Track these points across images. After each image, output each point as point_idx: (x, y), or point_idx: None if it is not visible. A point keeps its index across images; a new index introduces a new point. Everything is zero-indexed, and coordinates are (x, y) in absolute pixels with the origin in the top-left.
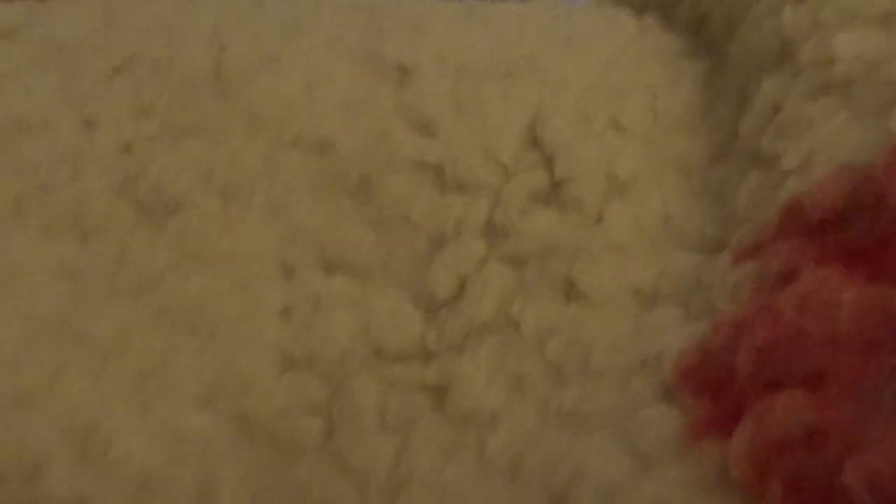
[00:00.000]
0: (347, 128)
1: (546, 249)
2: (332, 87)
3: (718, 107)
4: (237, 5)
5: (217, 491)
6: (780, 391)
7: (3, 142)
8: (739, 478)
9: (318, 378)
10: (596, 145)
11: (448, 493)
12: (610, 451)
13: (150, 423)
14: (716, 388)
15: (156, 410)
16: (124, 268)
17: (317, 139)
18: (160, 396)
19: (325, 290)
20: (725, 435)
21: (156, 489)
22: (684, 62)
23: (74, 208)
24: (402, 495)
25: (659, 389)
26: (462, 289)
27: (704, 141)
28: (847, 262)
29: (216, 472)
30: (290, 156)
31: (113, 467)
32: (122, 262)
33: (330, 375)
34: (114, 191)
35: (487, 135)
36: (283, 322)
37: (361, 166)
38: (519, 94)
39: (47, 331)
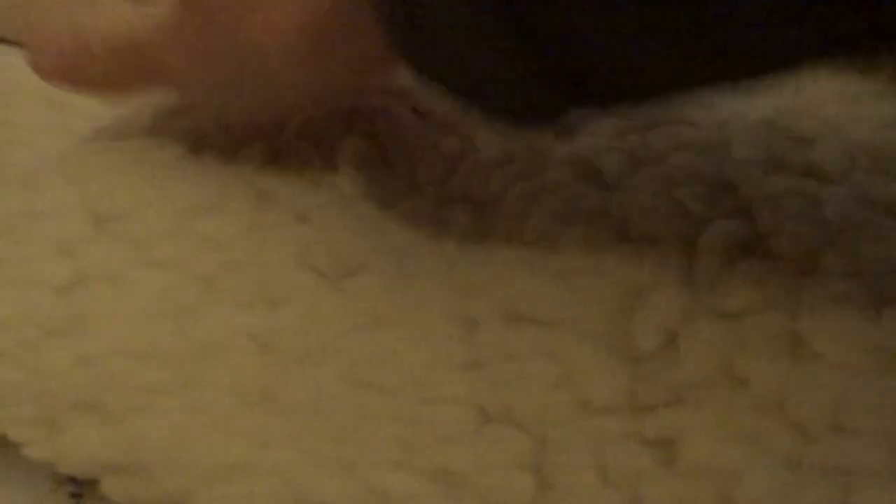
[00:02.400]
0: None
1: (760, 302)
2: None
3: None
4: None
5: None
6: None
7: (189, 221)
8: None
9: (520, 431)
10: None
11: None
12: None
13: (354, 486)
14: None
15: (357, 472)
16: (312, 333)
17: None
18: (360, 458)
19: (513, 342)
20: None
21: None
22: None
23: (261, 280)
24: None
25: None
26: (670, 341)
27: None
28: None
29: None
30: (456, 211)
31: None
32: (310, 327)
33: (530, 428)
34: (296, 260)
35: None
36: (471, 374)
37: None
38: None
39: (252, 402)
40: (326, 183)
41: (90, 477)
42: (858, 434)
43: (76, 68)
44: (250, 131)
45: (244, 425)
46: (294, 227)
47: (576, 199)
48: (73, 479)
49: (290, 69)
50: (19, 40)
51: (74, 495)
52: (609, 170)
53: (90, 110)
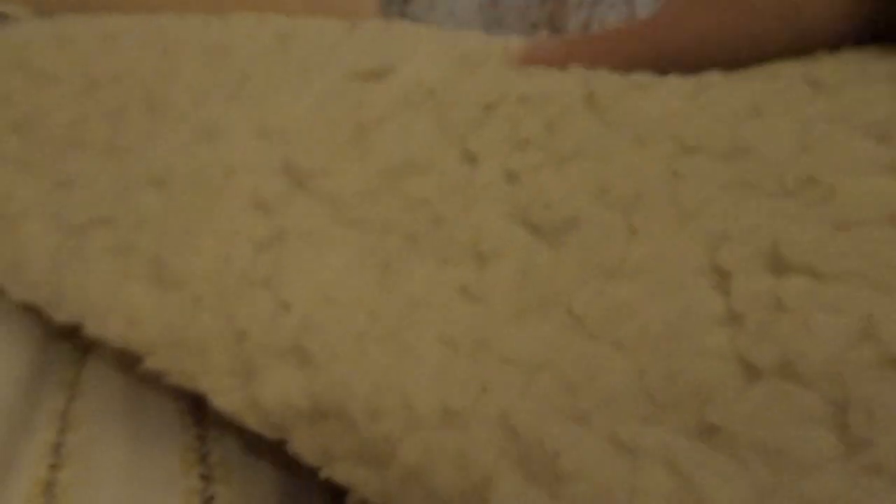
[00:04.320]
0: (762, 133)
1: None
2: (714, 92)
3: None
4: None
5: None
6: None
7: (392, 181)
8: None
9: (806, 387)
10: None
11: None
12: None
13: (593, 436)
14: None
15: (598, 422)
16: (528, 288)
17: (726, 145)
18: (598, 410)
19: (786, 293)
20: None
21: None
22: None
23: (470, 237)
24: None
25: None
26: None
27: None
28: None
29: (698, 483)
30: (693, 163)
31: (563, 483)
32: (525, 282)
33: (820, 386)
34: (506, 217)
35: None
36: (731, 329)
37: (797, 168)
38: None
39: (465, 352)
40: (538, 143)
41: (279, 430)
42: None
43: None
44: (457, 93)
45: (459, 373)
46: (504, 187)
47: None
48: (203, 460)
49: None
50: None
51: (204, 477)
52: None
53: (251, 56)
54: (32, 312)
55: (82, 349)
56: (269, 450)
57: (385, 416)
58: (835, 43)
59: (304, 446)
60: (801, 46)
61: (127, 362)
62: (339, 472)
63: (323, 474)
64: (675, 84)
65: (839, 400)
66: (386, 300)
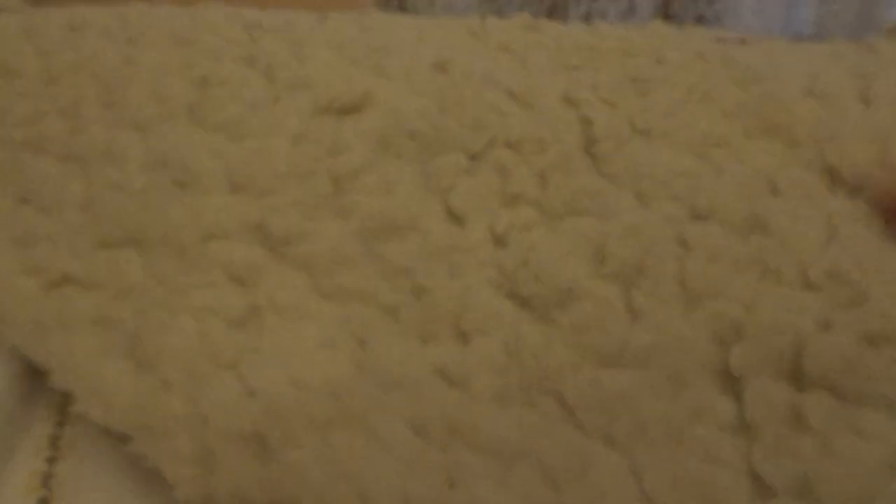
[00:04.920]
0: (782, 210)
1: None
2: (725, 154)
3: None
4: None
5: None
6: None
7: (371, 245)
8: None
9: None
10: None
11: None
12: None
13: None
14: None
15: None
16: (513, 370)
17: (743, 217)
18: None
19: (807, 409)
20: None
21: None
22: None
23: (453, 311)
24: None
25: None
26: None
27: None
28: None
29: None
30: (704, 232)
31: None
32: (511, 363)
33: None
34: (493, 288)
35: None
36: (745, 439)
37: (824, 260)
38: None
39: (436, 439)
40: (529, 198)
41: None
42: None
43: None
44: (440, 136)
45: (426, 463)
46: (491, 250)
47: None
48: None
49: None
50: None
51: None
52: None
53: (215, 49)
54: None
55: None
56: None
57: None
58: None
59: None
60: None
61: None
62: None
63: None
64: (684, 136)
65: None
66: (358, 381)
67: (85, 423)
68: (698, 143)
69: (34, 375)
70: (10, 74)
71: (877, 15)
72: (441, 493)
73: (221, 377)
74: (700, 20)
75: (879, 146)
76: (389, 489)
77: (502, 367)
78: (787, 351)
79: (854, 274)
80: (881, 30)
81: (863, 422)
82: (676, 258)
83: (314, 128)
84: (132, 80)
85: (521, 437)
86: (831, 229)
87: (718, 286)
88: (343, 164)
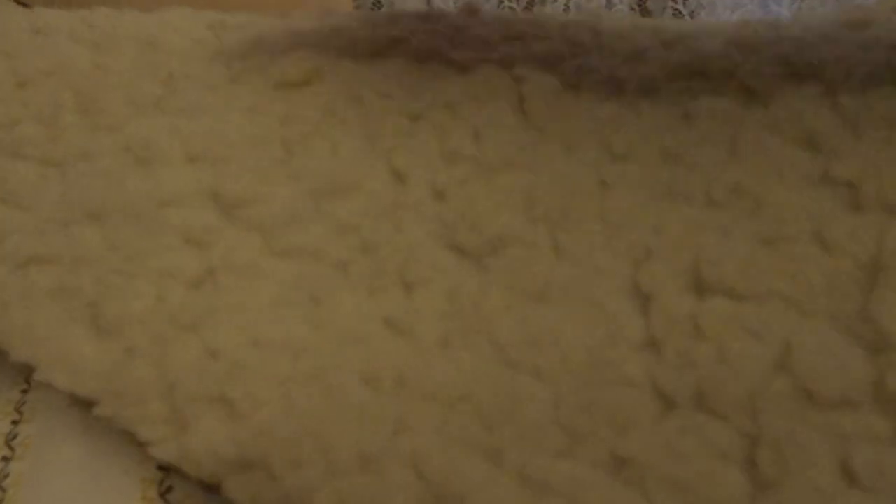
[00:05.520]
0: (693, 140)
1: None
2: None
3: None
4: None
5: None
6: None
7: (320, 205)
8: None
9: (719, 420)
10: None
11: None
12: None
13: (504, 473)
14: None
15: (509, 459)
16: (454, 316)
17: (656, 152)
18: (513, 444)
19: (705, 317)
20: None
21: None
22: None
23: (398, 264)
24: None
25: None
26: None
27: None
28: None
29: None
30: (622, 171)
31: None
32: (452, 309)
33: (735, 419)
34: (435, 239)
35: None
36: (650, 355)
37: (725, 177)
38: None
39: (386, 390)
40: (466, 154)
41: (215, 478)
42: None
43: None
44: (383, 102)
45: (377, 414)
46: (432, 205)
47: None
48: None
49: None
50: None
51: (161, 468)
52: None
53: (181, 49)
54: None
55: None
56: None
57: (305, 464)
58: None
59: (235, 494)
60: None
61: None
62: None
63: None
64: (612, 84)
65: (752, 434)
66: (313, 338)
67: (48, 388)
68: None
69: None
70: None
71: None
72: (390, 442)
73: (184, 340)
74: (676, 15)
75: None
76: (347, 442)
77: (444, 313)
78: (688, 262)
79: (753, 186)
80: None
81: (757, 322)
82: (597, 197)
83: (267, 100)
84: (105, 85)
85: (461, 381)
86: (735, 146)
87: (633, 216)
88: (293, 129)
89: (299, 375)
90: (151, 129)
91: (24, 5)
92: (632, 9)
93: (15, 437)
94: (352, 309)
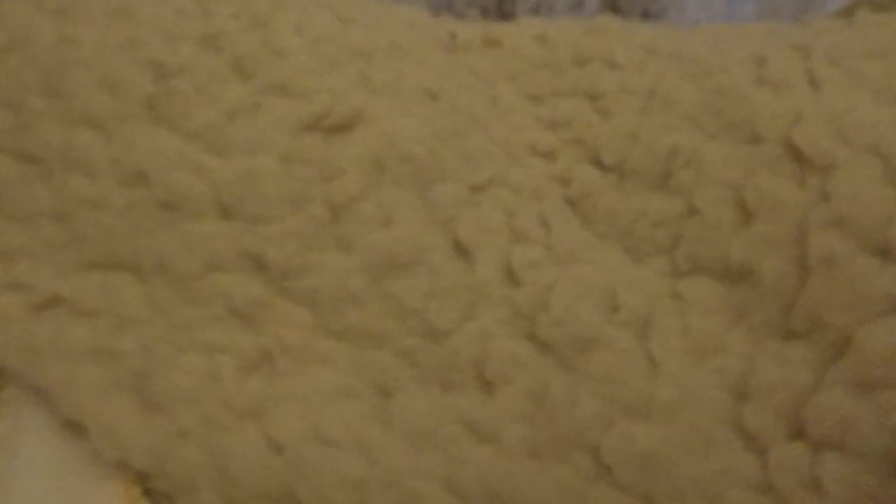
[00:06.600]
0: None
1: None
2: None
3: None
4: None
5: None
6: None
7: (377, 281)
8: None
9: None
10: None
11: None
12: None
13: None
14: None
15: None
16: (542, 422)
17: (721, 265)
18: None
19: (825, 475)
20: None
21: None
22: None
23: (472, 356)
24: None
25: None
26: None
27: None
28: None
29: None
30: (694, 282)
31: None
32: (539, 414)
33: None
34: (510, 328)
35: None
36: (766, 497)
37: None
38: None
39: (474, 500)
40: (534, 237)
41: None
42: None
43: None
44: (435, 161)
45: None
46: (505, 290)
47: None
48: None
49: None
50: None
51: None
52: None
53: (156, 21)
54: None
55: None
56: None
57: None
58: None
59: None
60: None
61: None
62: None
63: None
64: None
65: None
66: (385, 438)
67: (21, 386)
68: (663, 170)
69: None
70: None
71: (816, 9)
72: None
73: (242, 426)
74: (646, 13)
75: (836, 126)
76: None
77: (530, 418)
78: (789, 407)
79: (835, 318)
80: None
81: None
82: (677, 311)
83: (302, 146)
84: (74, 63)
85: (561, 497)
86: (805, 267)
87: (719, 340)
88: (338, 189)
89: (374, 480)
90: (167, 161)
91: None
92: (603, 6)
93: None
94: (426, 407)
